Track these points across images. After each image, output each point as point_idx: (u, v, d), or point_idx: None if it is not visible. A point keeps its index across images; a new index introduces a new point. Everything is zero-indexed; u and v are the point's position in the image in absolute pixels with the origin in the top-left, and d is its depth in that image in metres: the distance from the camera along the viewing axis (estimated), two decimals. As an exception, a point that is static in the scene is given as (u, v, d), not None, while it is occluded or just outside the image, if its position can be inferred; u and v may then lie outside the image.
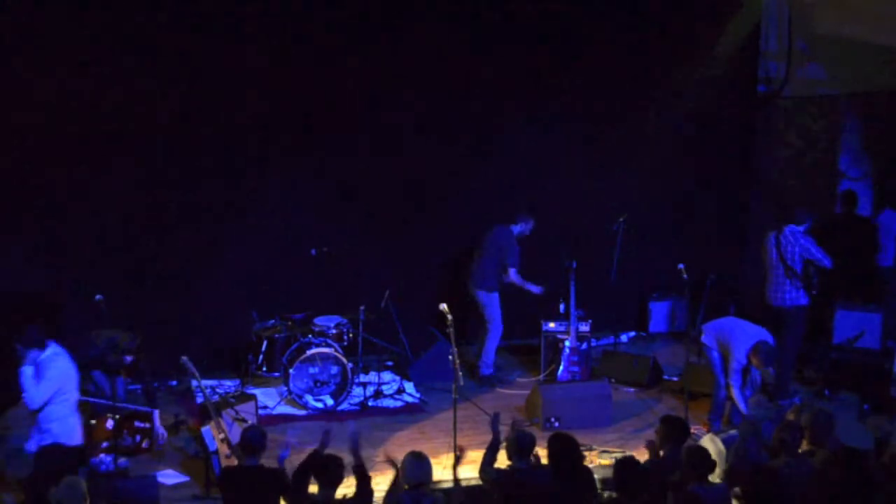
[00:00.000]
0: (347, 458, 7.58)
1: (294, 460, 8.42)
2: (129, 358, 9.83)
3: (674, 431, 7.99)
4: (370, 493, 7.49)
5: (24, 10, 10.21)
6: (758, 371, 9.96)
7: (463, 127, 11.83)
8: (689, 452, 7.41)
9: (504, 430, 7.95)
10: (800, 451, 7.79)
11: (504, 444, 7.71)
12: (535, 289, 11.41)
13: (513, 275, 11.29)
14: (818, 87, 12.73)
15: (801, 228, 10.52)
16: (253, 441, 7.56)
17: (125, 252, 10.83)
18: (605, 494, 8.00)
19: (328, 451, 7.61)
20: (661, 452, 7.98)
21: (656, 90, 12.48)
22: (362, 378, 10.95)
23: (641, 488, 7.04)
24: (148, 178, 10.87)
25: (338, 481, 7.30)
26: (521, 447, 7.53)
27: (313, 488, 7.46)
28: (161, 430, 9.57)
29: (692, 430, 9.12)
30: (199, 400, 9.97)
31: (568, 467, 7.57)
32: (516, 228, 11.40)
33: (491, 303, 11.37)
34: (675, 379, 11.35)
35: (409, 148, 11.73)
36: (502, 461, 7.80)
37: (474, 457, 9.30)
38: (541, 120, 12.06)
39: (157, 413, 9.59)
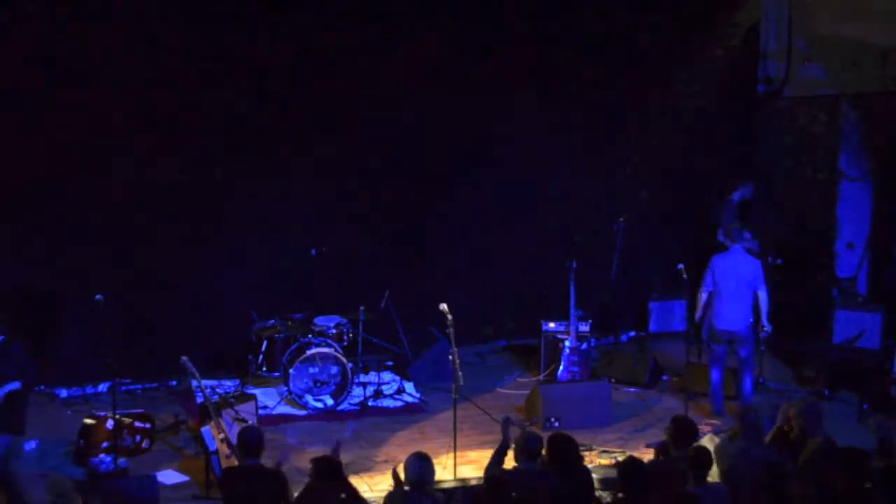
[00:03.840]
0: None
1: (293, 460, 8.44)
2: None
3: (683, 432, 7.94)
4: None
5: (20, 9, 10.23)
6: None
7: (464, 127, 11.82)
8: (693, 452, 7.39)
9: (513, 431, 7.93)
10: (793, 445, 7.79)
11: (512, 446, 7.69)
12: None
13: (719, 234, 11.91)
14: (818, 87, 12.69)
15: None
16: (250, 442, 7.54)
17: (125, 252, 10.82)
18: (607, 495, 7.97)
19: (317, 455, 7.58)
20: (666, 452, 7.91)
21: (657, 91, 12.49)
22: (362, 378, 10.93)
23: (647, 489, 7.02)
24: (148, 178, 10.86)
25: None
26: (529, 448, 7.50)
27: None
28: None
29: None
30: (199, 400, 9.96)
31: (567, 467, 7.55)
32: (737, 195, 12.32)
33: None
34: (675, 379, 11.34)
35: (410, 148, 11.72)
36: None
37: (474, 457, 9.34)
38: (541, 121, 12.06)
39: None
